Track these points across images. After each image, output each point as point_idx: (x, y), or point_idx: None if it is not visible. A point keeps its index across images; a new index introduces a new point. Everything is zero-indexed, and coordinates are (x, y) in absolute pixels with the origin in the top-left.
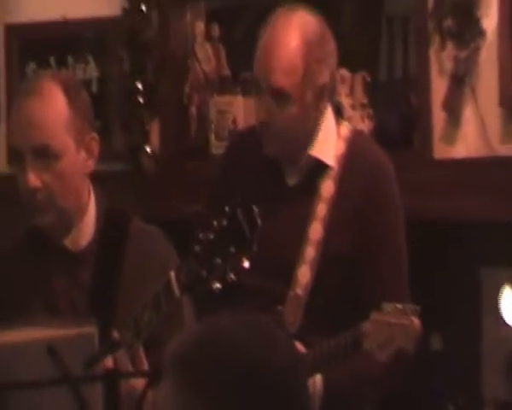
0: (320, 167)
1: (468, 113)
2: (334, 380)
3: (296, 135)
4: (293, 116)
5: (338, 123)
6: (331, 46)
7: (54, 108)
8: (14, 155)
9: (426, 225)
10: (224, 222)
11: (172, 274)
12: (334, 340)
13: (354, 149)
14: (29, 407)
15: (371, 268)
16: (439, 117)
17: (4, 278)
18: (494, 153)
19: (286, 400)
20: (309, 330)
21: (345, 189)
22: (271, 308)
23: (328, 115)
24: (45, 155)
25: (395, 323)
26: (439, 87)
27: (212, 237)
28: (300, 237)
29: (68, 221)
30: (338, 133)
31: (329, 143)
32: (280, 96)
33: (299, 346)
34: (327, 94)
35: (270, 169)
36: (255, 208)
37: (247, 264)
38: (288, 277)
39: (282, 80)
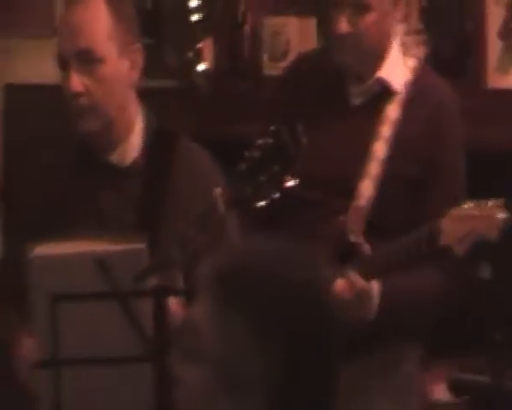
0: (385, 91)
1: None
2: (391, 291)
3: (374, 43)
4: (373, 23)
5: (405, 54)
6: None
7: (96, 15)
8: (61, 63)
9: (479, 154)
10: (269, 141)
11: (218, 191)
12: (406, 237)
13: (420, 79)
14: (79, 319)
15: (438, 185)
16: (494, 45)
17: (49, 190)
18: None
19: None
20: (375, 242)
21: (410, 114)
22: (334, 219)
23: (395, 44)
24: (88, 58)
25: (477, 215)
26: (495, 15)
27: (257, 155)
28: (364, 154)
29: (114, 134)
30: (405, 63)
31: (396, 69)
32: (361, 5)
33: (366, 247)
34: (399, 3)
35: (333, 90)
36: (300, 127)
37: (291, 183)
38: (351, 190)
39: None
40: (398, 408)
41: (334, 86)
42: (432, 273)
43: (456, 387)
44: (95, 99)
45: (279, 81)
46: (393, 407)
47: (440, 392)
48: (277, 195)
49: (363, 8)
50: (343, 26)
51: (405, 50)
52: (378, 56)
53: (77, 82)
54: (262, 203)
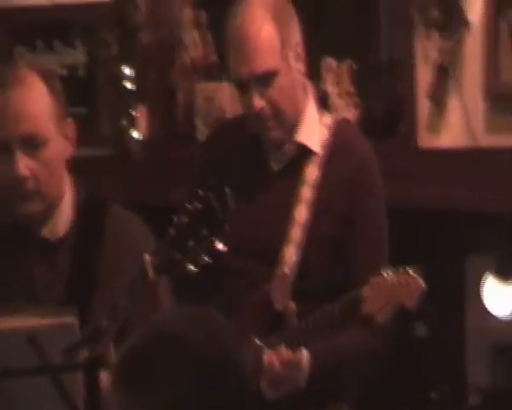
0: (304, 153)
1: (452, 103)
2: (320, 356)
3: (289, 104)
4: (285, 85)
5: (320, 112)
6: (291, 6)
7: (37, 96)
8: (1, 147)
9: (409, 212)
10: (198, 205)
11: (147, 258)
12: (329, 306)
13: (338, 136)
14: (9, 395)
15: (358, 245)
16: (423, 106)
17: None
18: (478, 143)
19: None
20: (301, 310)
21: (329, 173)
22: (259, 287)
23: (310, 104)
24: (33, 143)
25: (397, 283)
26: (424, 76)
27: (185, 220)
28: (286, 219)
29: (49, 210)
30: (321, 121)
31: (313, 129)
32: (267, 78)
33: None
34: (302, 51)
35: (254, 155)
36: (227, 190)
37: (221, 246)
38: (274, 257)
39: (266, 63)
40: None
41: (254, 152)
42: (361, 333)
43: None
44: (39, 181)
45: (201, 148)
46: None
47: None
48: (209, 260)
49: (270, 77)
50: (257, 102)
51: (337, 113)
52: (295, 119)
53: (23, 167)
54: (192, 268)
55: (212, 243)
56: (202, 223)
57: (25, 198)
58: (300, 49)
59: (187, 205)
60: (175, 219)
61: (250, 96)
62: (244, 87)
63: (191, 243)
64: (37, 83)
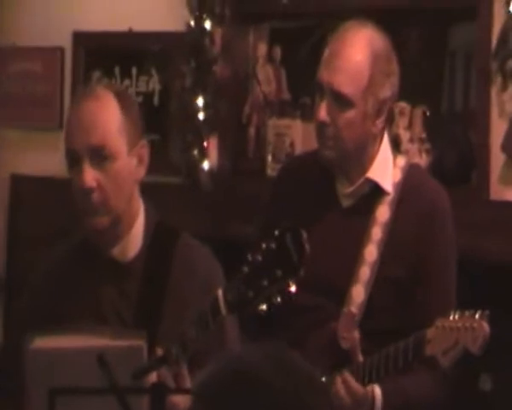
0: (376, 192)
1: None
2: (390, 395)
3: (354, 140)
4: (352, 120)
5: (394, 154)
6: (395, 65)
7: (108, 111)
8: (71, 158)
9: (477, 263)
10: (273, 245)
11: (220, 293)
12: (395, 345)
13: (410, 179)
14: None
15: (427, 289)
16: (497, 158)
17: (56, 283)
18: None
19: None
20: (367, 348)
21: (401, 215)
22: (326, 325)
23: (386, 143)
24: (101, 155)
25: (462, 326)
26: (498, 127)
27: (260, 259)
28: (355, 258)
29: (119, 229)
30: (394, 162)
31: (386, 169)
32: (342, 99)
33: (358, 354)
34: (386, 110)
35: (324, 191)
36: (304, 234)
37: (293, 288)
38: (342, 295)
39: (346, 86)
40: None
41: (325, 188)
42: (428, 378)
43: None
44: (106, 195)
45: (272, 182)
46: None
47: None
48: (279, 300)
49: (344, 103)
50: (322, 113)
51: (408, 157)
52: (362, 156)
53: (90, 178)
54: (263, 308)
55: (286, 284)
56: (277, 263)
57: (91, 211)
58: (385, 107)
59: (262, 244)
60: (249, 256)
61: (319, 106)
62: (320, 92)
63: (265, 283)
64: (110, 99)
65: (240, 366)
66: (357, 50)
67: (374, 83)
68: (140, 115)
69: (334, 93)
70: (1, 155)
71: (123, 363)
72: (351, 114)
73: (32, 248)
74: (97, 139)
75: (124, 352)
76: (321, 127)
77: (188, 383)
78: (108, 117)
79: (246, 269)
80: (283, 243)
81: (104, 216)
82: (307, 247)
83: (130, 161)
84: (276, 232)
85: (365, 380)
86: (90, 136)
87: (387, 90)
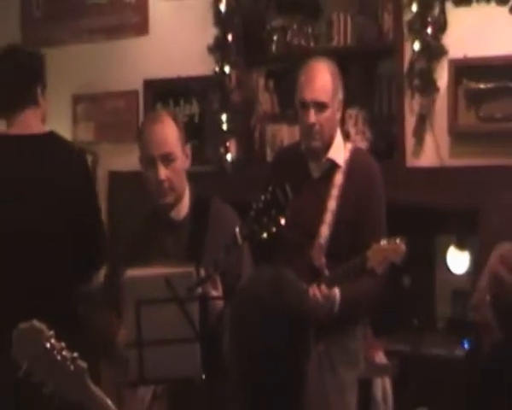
0: (334, 166)
1: (428, 139)
2: (345, 294)
3: (330, 131)
4: (330, 116)
5: (345, 141)
6: (341, 81)
7: (170, 129)
8: (148, 161)
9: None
10: (268, 196)
11: (237, 229)
12: (347, 264)
13: (355, 156)
14: (154, 316)
15: (367, 226)
16: (410, 141)
17: (135, 239)
18: (444, 164)
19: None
20: (331, 266)
21: (350, 180)
22: (303, 252)
23: (338, 133)
24: (168, 158)
25: (389, 247)
26: (410, 122)
27: (261, 205)
28: (322, 209)
29: (176, 201)
30: (344, 146)
31: (340, 151)
32: (321, 105)
33: (325, 270)
34: (341, 108)
35: (302, 168)
36: (288, 187)
37: (283, 221)
38: (314, 233)
39: (324, 96)
40: (352, 369)
41: (302, 166)
42: (370, 282)
43: (389, 354)
44: (172, 184)
45: (269, 164)
46: (349, 369)
47: (380, 357)
48: (274, 230)
49: (323, 107)
50: (312, 118)
51: (355, 144)
52: (330, 142)
53: (163, 173)
54: (265, 235)
55: (278, 219)
56: (271, 207)
57: (163, 194)
58: (340, 106)
59: (261, 196)
60: (254, 205)
61: (308, 114)
62: (303, 106)
63: (265, 219)
64: (170, 121)
65: (249, 287)
66: (324, 74)
67: (335, 91)
68: (184, 129)
69: (316, 103)
70: (101, 159)
71: (182, 282)
72: (328, 113)
73: (124, 223)
74: (166, 148)
75: (181, 275)
76: (310, 127)
77: (220, 290)
78: (171, 132)
79: (252, 213)
80: (275, 194)
81: (170, 196)
82: (290, 194)
83: (183, 159)
84: (270, 188)
85: (330, 286)
86: (162, 146)
87: (341, 94)
